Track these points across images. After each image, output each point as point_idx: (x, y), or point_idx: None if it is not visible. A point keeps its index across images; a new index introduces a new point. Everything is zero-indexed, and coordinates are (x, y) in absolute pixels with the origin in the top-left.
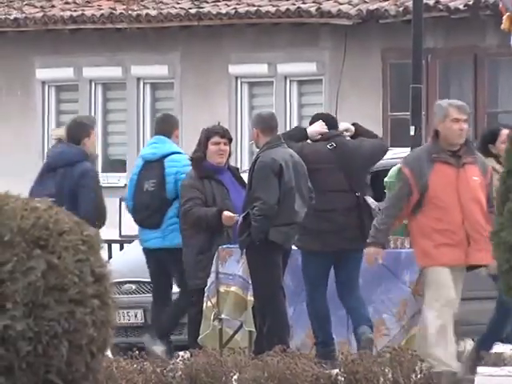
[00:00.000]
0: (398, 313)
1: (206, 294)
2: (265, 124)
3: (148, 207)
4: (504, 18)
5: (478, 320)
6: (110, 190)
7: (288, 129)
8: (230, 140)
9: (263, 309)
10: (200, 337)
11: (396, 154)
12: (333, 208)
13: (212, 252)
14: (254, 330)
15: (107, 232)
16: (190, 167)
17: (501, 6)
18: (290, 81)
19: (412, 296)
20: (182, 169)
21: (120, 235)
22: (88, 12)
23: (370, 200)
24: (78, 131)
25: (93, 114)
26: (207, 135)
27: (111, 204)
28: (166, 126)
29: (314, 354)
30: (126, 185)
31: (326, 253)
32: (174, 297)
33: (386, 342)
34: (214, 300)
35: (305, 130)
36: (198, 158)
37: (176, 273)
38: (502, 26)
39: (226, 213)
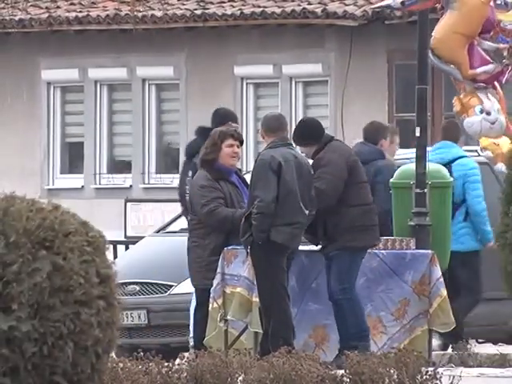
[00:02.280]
0: (397, 311)
1: (211, 295)
2: (267, 125)
3: None
4: (454, 100)
5: (484, 322)
6: (115, 190)
7: (293, 129)
8: (242, 142)
9: (268, 309)
10: (206, 338)
11: (401, 155)
12: (371, 200)
13: None
14: (259, 330)
15: (113, 233)
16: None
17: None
18: (296, 82)
19: (415, 296)
20: (470, 171)
21: (125, 236)
22: (93, 13)
23: None
24: (376, 132)
25: (98, 115)
26: (222, 137)
27: (116, 205)
28: (452, 133)
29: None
30: (131, 186)
31: (370, 247)
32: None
33: (385, 341)
34: (220, 301)
35: None
36: (211, 160)
37: (464, 276)
38: (454, 110)
39: None
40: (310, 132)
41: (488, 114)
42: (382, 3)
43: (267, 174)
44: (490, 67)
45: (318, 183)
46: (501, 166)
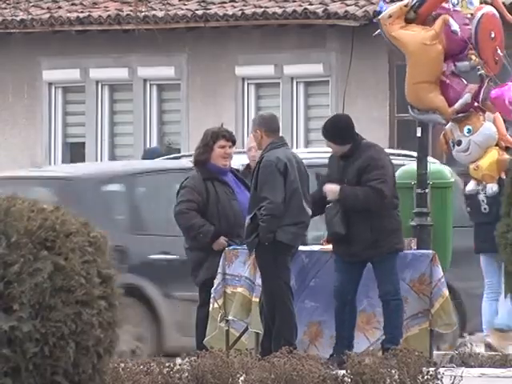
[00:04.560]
0: None
1: (212, 296)
2: (269, 125)
3: None
4: (438, 142)
5: None
6: None
7: (295, 130)
8: (234, 143)
9: (273, 309)
10: (206, 338)
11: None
12: None
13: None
14: (259, 331)
15: None
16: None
17: None
18: (297, 82)
19: (414, 294)
20: None
21: None
22: (95, 13)
23: None
24: None
25: (99, 115)
26: (214, 138)
27: None
28: None
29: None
30: None
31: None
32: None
33: (378, 336)
34: (220, 301)
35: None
36: (203, 161)
37: None
38: (440, 148)
39: (223, 239)
40: (350, 130)
41: (459, 143)
42: (377, 32)
43: (275, 176)
44: (466, 98)
45: (380, 185)
46: (491, 187)
